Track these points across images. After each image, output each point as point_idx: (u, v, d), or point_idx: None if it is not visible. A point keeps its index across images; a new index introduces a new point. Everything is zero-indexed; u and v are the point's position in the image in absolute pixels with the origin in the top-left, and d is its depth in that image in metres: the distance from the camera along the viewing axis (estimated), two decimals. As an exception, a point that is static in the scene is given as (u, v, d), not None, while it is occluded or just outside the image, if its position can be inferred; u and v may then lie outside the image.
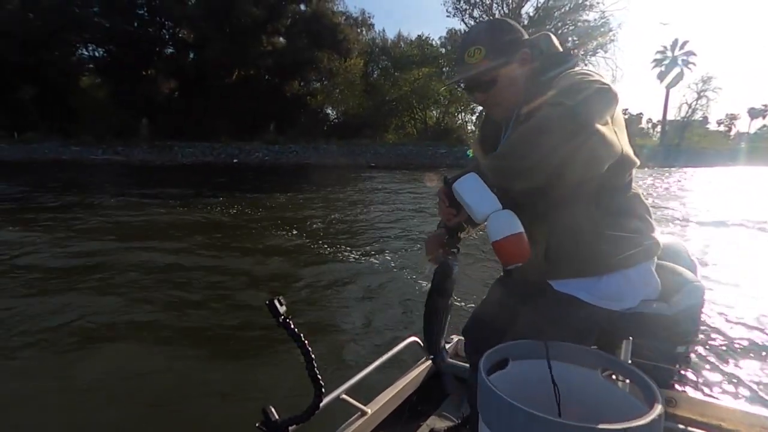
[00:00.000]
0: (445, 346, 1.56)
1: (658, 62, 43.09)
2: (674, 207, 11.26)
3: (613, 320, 1.22)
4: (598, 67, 32.53)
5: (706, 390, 2.80)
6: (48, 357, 3.32)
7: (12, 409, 2.67)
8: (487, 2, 35.93)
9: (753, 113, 59.36)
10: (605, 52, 36.33)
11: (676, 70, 42.20)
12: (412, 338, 2.04)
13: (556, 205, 1.19)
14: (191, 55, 34.34)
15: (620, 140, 1.12)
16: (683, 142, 40.05)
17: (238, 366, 3.22)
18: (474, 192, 1.09)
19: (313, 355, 1.25)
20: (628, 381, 1.06)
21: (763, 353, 3.34)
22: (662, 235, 1.29)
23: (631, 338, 1.26)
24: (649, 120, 63.78)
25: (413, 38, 42.57)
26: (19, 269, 5.41)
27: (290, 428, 1.31)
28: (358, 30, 38.33)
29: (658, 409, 0.81)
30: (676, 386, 1.48)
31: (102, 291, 4.67)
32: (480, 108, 1.44)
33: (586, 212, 1.19)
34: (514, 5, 36.14)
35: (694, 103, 44.21)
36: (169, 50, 35.76)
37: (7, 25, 28.31)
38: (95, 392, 2.86)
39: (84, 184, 14.60)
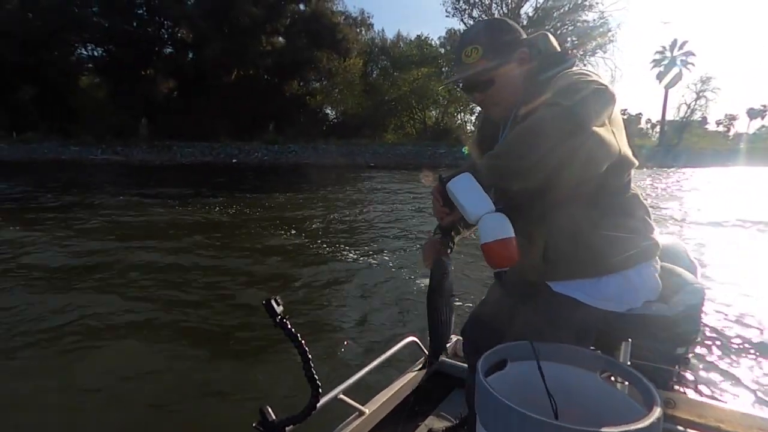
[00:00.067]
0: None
1: (657, 62, 43.14)
2: (673, 207, 11.27)
3: (612, 321, 1.22)
4: (597, 68, 32.61)
5: (706, 391, 2.79)
6: (47, 356, 3.31)
7: (11, 408, 2.66)
8: (487, 2, 35.98)
9: (752, 114, 59.43)
10: (604, 52, 36.42)
11: (674, 71, 42.25)
12: (411, 338, 2.04)
13: (554, 205, 1.18)
14: (190, 55, 34.35)
15: (618, 141, 1.11)
16: (682, 143, 40.07)
17: (236, 365, 3.22)
18: (467, 192, 1.09)
19: (310, 355, 1.25)
20: (627, 383, 1.05)
21: (763, 355, 3.33)
22: (662, 236, 1.29)
23: (630, 340, 1.26)
24: (648, 120, 63.86)
25: (412, 38, 42.72)
26: (19, 269, 5.40)
27: (287, 428, 1.31)
28: (358, 30, 38.39)
29: (657, 412, 0.81)
30: (675, 387, 1.47)
31: (101, 290, 4.67)
32: (479, 108, 1.43)
33: (585, 213, 1.18)
34: (513, 5, 36.18)
35: (693, 103, 44.25)
36: (168, 50, 35.84)
37: (6, 25, 28.33)
38: (93, 391, 2.86)
39: (83, 184, 14.58)
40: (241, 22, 31.69)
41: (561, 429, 0.77)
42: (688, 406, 1.54)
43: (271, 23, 33.47)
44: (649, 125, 62.19)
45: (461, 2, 36.14)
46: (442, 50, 39.16)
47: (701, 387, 2.82)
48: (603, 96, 1.05)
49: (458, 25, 37.25)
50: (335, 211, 10.20)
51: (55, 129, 28.74)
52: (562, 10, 35.82)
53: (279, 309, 1.19)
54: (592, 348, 1.25)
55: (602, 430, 0.75)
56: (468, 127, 39.13)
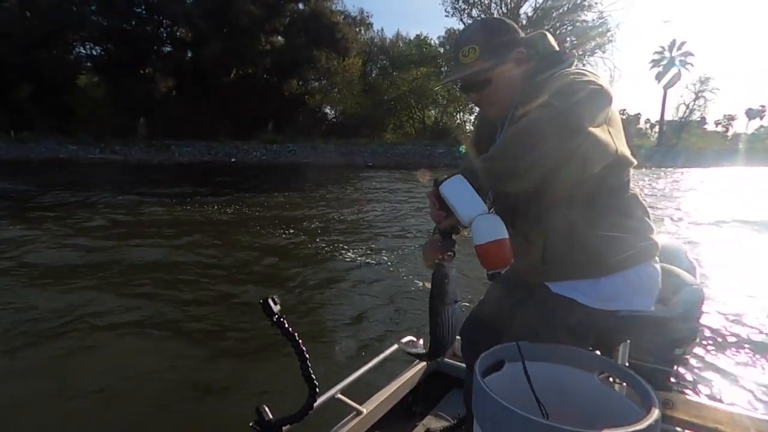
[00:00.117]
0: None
1: (655, 63, 43.16)
2: (672, 207, 11.28)
3: (610, 322, 1.21)
4: (596, 68, 32.64)
5: (704, 392, 2.80)
6: (46, 355, 3.31)
7: (11, 408, 2.66)
8: (486, 2, 35.97)
9: (750, 114, 59.45)
10: (603, 52, 36.45)
11: (673, 71, 42.28)
12: (409, 337, 2.03)
13: (552, 206, 1.18)
14: (189, 54, 34.28)
15: (615, 140, 1.11)
16: (681, 143, 40.13)
17: (234, 364, 3.21)
18: (459, 195, 1.08)
19: (307, 355, 1.24)
20: (624, 384, 1.05)
21: (761, 355, 3.33)
22: (661, 237, 1.28)
23: (628, 340, 1.25)
24: (647, 120, 63.85)
25: (412, 38, 42.68)
26: (18, 267, 5.40)
27: (284, 428, 1.30)
28: (357, 29, 38.30)
29: (655, 414, 0.81)
30: (674, 388, 1.47)
31: (100, 289, 4.67)
32: (478, 108, 1.42)
33: (582, 213, 1.17)
34: (512, 5, 36.17)
35: (692, 103, 44.38)
36: (167, 49, 35.69)
37: (4, 23, 28.23)
38: (91, 388, 2.86)
39: (82, 183, 14.54)
40: (240, 21, 31.63)
41: (558, 430, 0.77)
42: (686, 407, 1.54)
43: (270, 22, 33.40)
44: (648, 125, 62.23)
45: (460, 2, 36.14)
46: (442, 50, 39.12)
47: (699, 388, 2.82)
48: (599, 96, 1.05)
49: (457, 25, 37.26)
50: (334, 210, 10.20)
51: (53, 128, 28.64)
52: (561, 10, 35.86)
53: (276, 308, 1.19)
54: (590, 349, 1.24)
55: (600, 431, 0.75)
56: (467, 127, 39.14)
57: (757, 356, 3.33)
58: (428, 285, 1.25)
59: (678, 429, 1.53)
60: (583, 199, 1.17)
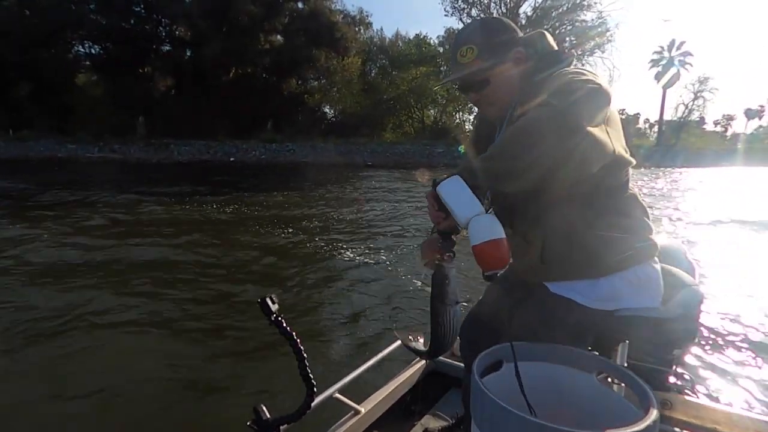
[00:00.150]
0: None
1: (655, 62, 43.22)
2: (671, 207, 11.29)
3: (609, 323, 1.21)
4: (595, 68, 32.63)
5: (702, 392, 2.80)
6: (45, 353, 3.31)
7: (9, 407, 2.65)
8: (485, 1, 35.96)
9: (749, 114, 59.51)
10: (602, 52, 36.50)
11: (672, 71, 42.35)
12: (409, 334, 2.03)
13: (550, 206, 1.17)
14: (188, 53, 34.24)
15: (614, 140, 1.10)
16: (680, 143, 40.20)
17: (232, 363, 3.21)
18: (456, 195, 1.07)
19: (305, 354, 1.24)
20: (623, 384, 1.05)
21: (760, 356, 3.33)
22: (661, 237, 1.28)
23: (627, 341, 1.25)
24: (647, 120, 63.89)
25: (411, 37, 42.65)
26: (16, 266, 5.39)
27: (281, 428, 1.30)
28: (356, 28, 38.26)
29: (653, 415, 0.80)
30: (672, 388, 1.47)
31: (99, 288, 4.67)
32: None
33: (580, 213, 1.17)
34: (512, 5, 36.17)
35: (691, 103, 44.49)
36: (166, 48, 35.64)
37: (2, 22, 28.16)
38: (89, 387, 2.85)
39: (81, 182, 14.52)
40: (239, 20, 31.60)
41: (555, 431, 0.77)
42: (684, 407, 1.54)
43: (269, 21, 33.36)
44: (647, 125, 62.29)
45: (460, 1, 36.12)
46: (441, 49, 39.09)
47: (698, 388, 2.82)
48: (598, 96, 1.04)
49: (457, 24, 37.21)
50: (333, 209, 10.20)
51: (52, 127, 28.59)
52: (560, 10, 35.86)
53: (274, 307, 1.19)
54: (589, 349, 1.24)
55: (597, 432, 0.75)
56: (466, 126, 39.16)
57: (756, 356, 3.33)
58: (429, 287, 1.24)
59: (676, 429, 1.53)
60: (581, 199, 1.16)
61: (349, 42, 35.59)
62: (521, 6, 36.67)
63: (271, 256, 6.12)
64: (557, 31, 34.57)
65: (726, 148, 41.72)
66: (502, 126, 1.30)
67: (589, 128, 1.01)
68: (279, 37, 35.01)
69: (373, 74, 40.74)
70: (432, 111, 40.34)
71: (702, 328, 3.64)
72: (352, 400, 1.72)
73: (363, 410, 1.74)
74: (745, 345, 3.50)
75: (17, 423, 2.54)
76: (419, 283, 4.87)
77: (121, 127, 29.07)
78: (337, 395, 1.65)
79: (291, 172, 21.67)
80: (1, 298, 4.31)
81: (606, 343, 1.25)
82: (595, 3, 34.64)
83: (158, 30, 35.25)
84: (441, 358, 2.13)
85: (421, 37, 41.98)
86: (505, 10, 35.61)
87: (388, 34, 49.31)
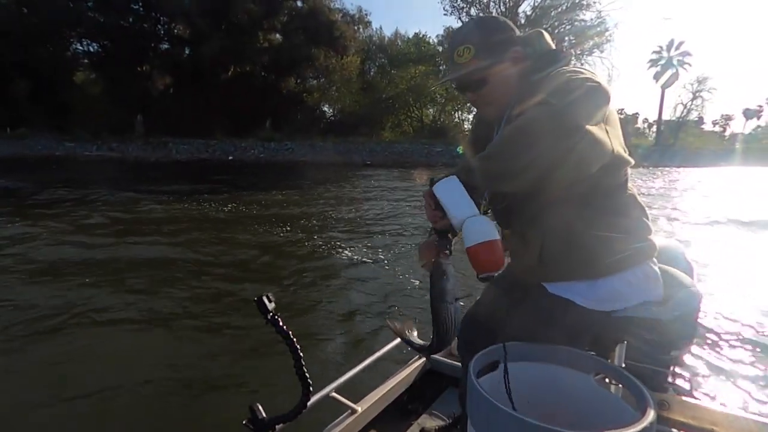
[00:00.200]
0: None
1: (653, 62, 43.21)
2: (668, 207, 11.30)
3: (607, 324, 1.20)
4: (594, 67, 32.66)
5: (700, 393, 2.79)
6: (42, 352, 3.30)
7: (7, 406, 2.65)
8: (485, 0, 35.94)
9: (748, 114, 59.57)
10: (601, 52, 36.54)
11: (671, 70, 42.36)
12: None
13: (548, 206, 1.16)
14: (187, 51, 34.16)
15: (612, 140, 1.09)
16: (678, 142, 40.23)
17: (228, 362, 3.21)
18: (451, 195, 1.07)
19: (301, 353, 1.24)
20: (620, 385, 1.05)
21: (758, 357, 3.33)
22: (659, 237, 1.27)
23: (625, 342, 1.25)
24: (645, 120, 63.94)
25: (410, 36, 42.67)
26: (15, 265, 5.38)
27: (277, 427, 1.30)
28: (355, 27, 38.19)
29: (650, 416, 0.80)
30: (670, 389, 1.47)
31: (96, 286, 4.67)
32: (476, 107, 1.41)
33: (578, 213, 1.16)
34: (511, 4, 36.16)
35: (690, 103, 44.50)
36: (165, 46, 35.54)
37: (0, 20, 28.06)
38: (86, 385, 2.86)
39: (79, 180, 14.49)
40: (238, 18, 31.53)
41: (551, 432, 0.76)
42: (682, 408, 1.54)
43: (268, 20, 33.29)
44: (645, 125, 62.34)
45: (459, 0, 36.13)
46: (440, 48, 39.08)
47: (696, 389, 2.82)
48: (597, 95, 1.03)
49: (456, 23, 37.21)
50: (331, 208, 10.19)
51: (50, 125, 28.52)
52: (559, 9, 35.86)
53: (271, 306, 1.19)
54: (587, 350, 1.24)
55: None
56: (465, 126, 39.13)
57: (754, 357, 3.33)
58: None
59: (674, 430, 1.53)
60: (579, 199, 1.15)
61: (348, 41, 35.55)
62: (520, 5, 36.70)
63: (269, 255, 6.12)
64: (556, 31, 34.60)
65: (724, 147, 41.78)
66: (500, 126, 1.29)
67: (588, 127, 1.00)
68: (278, 35, 34.93)
69: (372, 73, 40.72)
70: (431, 110, 40.33)
71: (700, 329, 3.64)
72: (348, 400, 1.72)
73: (359, 409, 1.74)
74: (743, 346, 3.50)
75: (16, 422, 2.53)
76: (417, 282, 4.87)
77: (120, 125, 28.99)
78: (334, 394, 1.65)
79: (289, 170, 21.65)
80: (1, 294, 4.31)
81: (604, 343, 1.25)
82: (594, 2, 34.68)
83: (157, 28, 35.15)
84: (438, 357, 2.13)
85: (421, 36, 42.07)
86: (504, 9, 35.60)
87: (387, 32, 49.25)
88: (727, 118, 64.02)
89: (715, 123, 64.08)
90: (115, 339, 3.55)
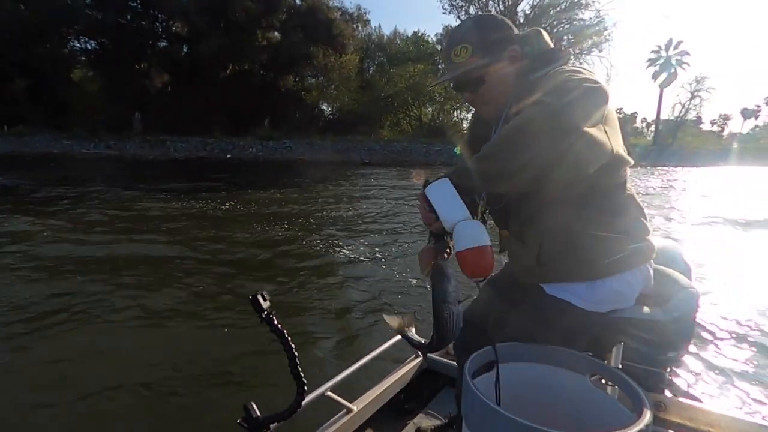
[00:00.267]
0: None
1: (652, 62, 43.27)
2: (666, 206, 11.31)
3: (605, 325, 1.20)
4: (592, 66, 32.75)
5: (697, 394, 2.79)
6: (39, 350, 3.30)
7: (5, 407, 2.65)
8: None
9: (746, 114, 59.77)
10: (600, 51, 36.59)
11: (669, 70, 42.42)
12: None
13: (545, 206, 1.15)
14: (185, 49, 34.08)
15: (612, 140, 1.07)
16: (676, 142, 40.28)
17: (223, 361, 3.19)
18: (442, 198, 1.06)
19: (296, 352, 1.23)
20: (617, 387, 1.04)
21: (755, 358, 3.32)
22: (657, 238, 1.26)
23: (622, 343, 1.24)
24: (644, 119, 64.03)
25: (409, 34, 42.69)
26: (13, 263, 5.37)
27: (272, 426, 1.29)
28: (354, 26, 38.18)
29: (646, 418, 0.79)
30: (667, 390, 1.46)
31: (94, 284, 4.65)
32: (474, 106, 1.40)
33: (576, 214, 1.15)
34: (510, 3, 36.16)
35: (688, 102, 44.57)
36: (163, 44, 35.46)
37: (-2, 17, 28.03)
38: (81, 383, 2.85)
39: (76, 178, 14.45)
40: (237, 16, 31.47)
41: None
42: (678, 409, 1.54)
43: (266, 18, 33.24)
44: (644, 124, 62.45)
45: (458, -1, 36.12)
46: (439, 47, 39.10)
47: (693, 390, 2.81)
48: (595, 94, 1.02)
49: (455, 22, 37.22)
50: (329, 207, 10.18)
51: (48, 122, 28.45)
52: (558, 8, 35.91)
53: (266, 304, 1.18)
54: (585, 351, 1.23)
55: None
56: (464, 125, 39.13)
57: (752, 358, 3.32)
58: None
59: (670, 431, 1.53)
60: (578, 200, 1.14)
61: (346, 39, 35.53)
62: (519, 4, 36.72)
63: (266, 253, 6.11)
64: (555, 30, 34.64)
65: (722, 147, 41.83)
66: (498, 125, 1.28)
67: (586, 128, 0.98)
68: (276, 33, 34.89)
69: (370, 72, 40.72)
70: (430, 109, 40.33)
71: (698, 330, 3.64)
72: (344, 399, 1.71)
73: (355, 409, 1.73)
74: (740, 347, 3.49)
75: (15, 421, 2.52)
76: (414, 281, 4.86)
77: (117, 123, 28.95)
78: (329, 393, 1.64)
79: (288, 169, 21.64)
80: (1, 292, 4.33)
81: (601, 344, 1.24)
82: (593, 1, 34.75)
83: (155, 26, 35.09)
84: (435, 356, 2.12)
85: (419, 34, 42.12)
86: (503, 8, 35.62)
87: (386, 31, 49.35)
88: (725, 118, 64.25)
89: (713, 123, 64.31)
90: (112, 337, 3.54)
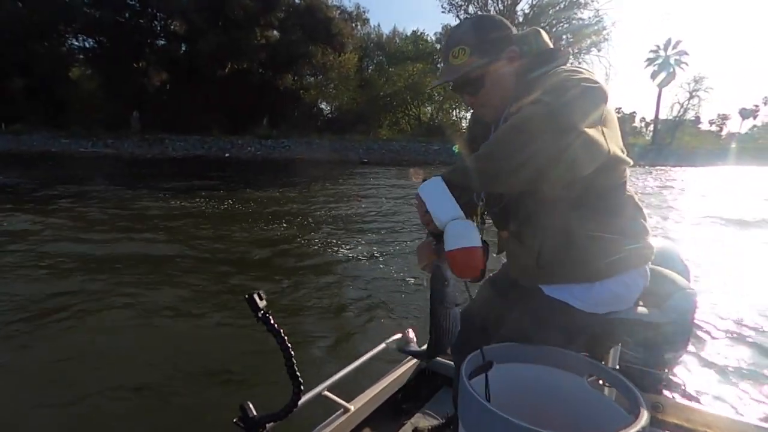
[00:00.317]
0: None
1: (651, 61, 43.29)
2: (665, 206, 11.33)
3: (603, 326, 1.20)
4: (591, 66, 32.77)
5: (694, 396, 2.78)
6: (37, 347, 3.29)
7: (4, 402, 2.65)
8: (483, -1, 35.97)
9: (744, 113, 59.81)
10: (599, 50, 36.63)
11: (668, 70, 42.47)
12: (399, 335, 2.01)
13: (544, 207, 1.15)
14: (183, 48, 34.01)
15: (610, 140, 1.06)
16: (675, 142, 40.33)
17: (221, 359, 3.19)
18: (434, 197, 1.04)
19: (292, 352, 1.23)
20: (614, 388, 1.04)
21: (753, 359, 3.31)
22: (656, 239, 1.26)
23: (619, 344, 1.24)
24: (642, 119, 64.09)
25: (408, 34, 42.71)
26: (11, 260, 5.37)
27: (268, 425, 1.29)
28: (353, 24, 38.15)
29: (643, 419, 0.79)
30: (664, 391, 1.46)
31: (92, 282, 4.65)
32: (474, 105, 1.39)
33: (575, 214, 1.14)
34: (509, 2, 36.18)
35: (686, 102, 44.63)
36: (161, 42, 35.38)
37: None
38: (77, 380, 2.85)
39: (74, 177, 14.43)
40: (235, 14, 31.41)
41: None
42: (675, 410, 1.54)
43: (265, 16, 33.19)
44: (642, 124, 62.52)
45: (457, -2, 36.12)
46: (438, 46, 39.10)
47: (690, 391, 2.81)
48: (594, 94, 1.01)
49: (454, 21, 37.25)
50: (327, 206, 10.17)
51: (46, 121, 28.38)
52: (557, 8, 35.94)
53: (262, 303, 1.17)
54: (583, 352, 1.23)
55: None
56: (463, 124, 39.15)
57: (749, 359, 3.31)
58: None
59: None
60: (576, 200, 1.13)
61: (345, 38, 35.49)
62: (518, 3, 36.73)
63: (264, 252, 6.10)
64: (554, 29, 34.67)
65: (720, 147, 41.90)
66: (497, 125, 1.27)
67: (585, 129, 0.97)
68: (275, 32, 34.86)
69: (369, 71, 40.72)
70: (428, 108, 40.36)
71: (695, 331, 3.63)
72: (341, 398, 1.71)
73: (352, 408, 1.73)
74: (738, 348, 3.49)
75: (15, 421, 2.52)
76: (412, 280, 4.86)
77: (115, 121, 28.91)
78: (326, 393, 1.63)
79: (286, 168, 21.62)
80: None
81: (599, 345, 1.24)
82: (592, 1, 34.79)
83: (153, 24, 35.02)
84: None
85: (418, 33, 42.14)
86: (502, 7, 35.63)
87: (385, 30, 49.33)
88: (724, 118, 64.28)
89: (711, 122, 64.33)
90: (110, 336, 3.53)
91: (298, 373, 1.23)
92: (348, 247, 6.43)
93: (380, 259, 5.86)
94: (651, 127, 48.25)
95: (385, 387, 1.93)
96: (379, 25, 54.76)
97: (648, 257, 1.21)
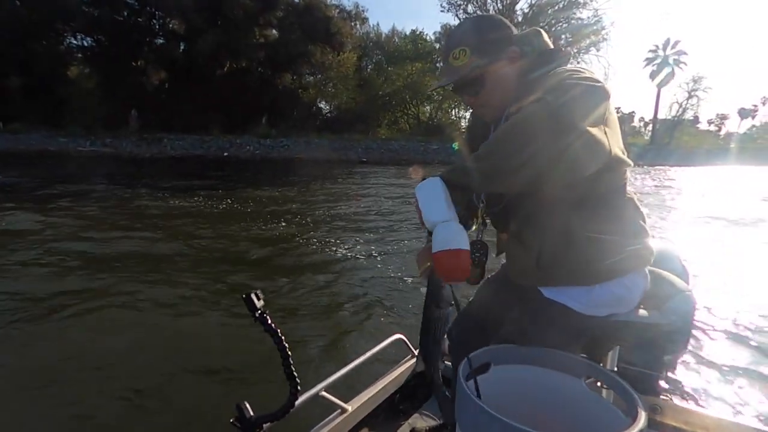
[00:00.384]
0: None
1: (650, 61, 43.38)
2: (663, 206, 11.34)
3: (602, 328, 1.19)
4: (590, 65, 32.79)
5: (692, 398, 2.78)
6: (35, 346, 3.29)
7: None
8: (482, -2, 35.97)
9: (743, 113, 59.96)
10: (598, 50, 36.69)
11: (667, 69, 42.53)
12: (397, 336, 2.01)
13: (544, 208, 1.14)
14: (182, 47, 33.94)
15: (611, 140, 1.05)
16: (674, 141, 40.41)
17: (218, 358, 3.18)
18: (427, 198, 1.04)
19: (290, 352, 1.22)
20: (612, 390, 1.03)
21: (752, 362, 3.30)
22: (655, 241, 1.25)
23: (618, 346, 1.24)
24: (641, 119, 64.20)
25: (407, 33, 42.68)
26: (10, 259, 5.35)
27: (265, 426, 1.28)
28: (352, 24, 38.12)
29: (641, 422, 0.79)
30: (663, 394, 1.46)
31: (90, 281, 4.65)
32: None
33: (575, 215, 1.14)
34: (508, 2, 36.19)
35: (685, 102, 44.73)
36: (160, 41, 35.31)
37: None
38: (73, 379, 2.85)
39: (73, 176, 14.41)
40: (234, 13, 31.36)
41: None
42: (674, 413, 1.54)
43: (264, 15, 33.13)
44: (641, 123, 62.61)
45: (456, -3, 36.12)
46: (437, 45, 39.12)
47: (689, 394, 2.81)
48: (595, 93, 1.01)
49: (453, 21, 37.26)
50: (326, 205, 10.17)
51: (44, 120, 28.30)
52: (556, 7, 35.96)
53: (259, 303, 1.17)
54: (581, 354, 1.22)
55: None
56: (462, 123, 39.17)
57: (748, 362, 3.30)
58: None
59: None
60: (577, 201, 1.13)
61: (344, 37, 35.45)
62: (517, 3, 36.74)
63: (263, 252, 6.10)
64: (553, 29, 34.69)
65: (719, 147, 41.99)
66: (497, 125, 1.26)
67: (587, 128, 0.97)
68: (274, 31, 34.77)
69: (368, 70, 40.68)
70: (428, 107, 40.33)
71: (694, 333, 3.62)
72: (338, 399, 1.71)
73: (350, 408, 1.73)
74: (737, 350, 3.48)
75: (12, 420, 2.51)
76: (410, 280, 4.86)
77: (114, 120, 28.82)
78: (324, 393, 1.63)
79: (285, 167, 21.60)
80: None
81: (598, 347, 1.24)
82: (591, 0, 34.81)
83: (152, 23, 34.92)
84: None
85: (418, 32, 42.13)
86: (501, 7, 35.63)
87: (384, 29, 49.30)
88: (723, 118, 64.45)
89: (710, 122, 64.52)
90: (109, 335, 3.53)
91: (295, 373, 1.23)
92: (346, 246, 6.42)
93: (378, 258, 5.85)
94: (650, 127, 48.36)
95: (382, 387, 1.92)
96: (378, 25, 54.91)
97: (648, 259, 1.21)
